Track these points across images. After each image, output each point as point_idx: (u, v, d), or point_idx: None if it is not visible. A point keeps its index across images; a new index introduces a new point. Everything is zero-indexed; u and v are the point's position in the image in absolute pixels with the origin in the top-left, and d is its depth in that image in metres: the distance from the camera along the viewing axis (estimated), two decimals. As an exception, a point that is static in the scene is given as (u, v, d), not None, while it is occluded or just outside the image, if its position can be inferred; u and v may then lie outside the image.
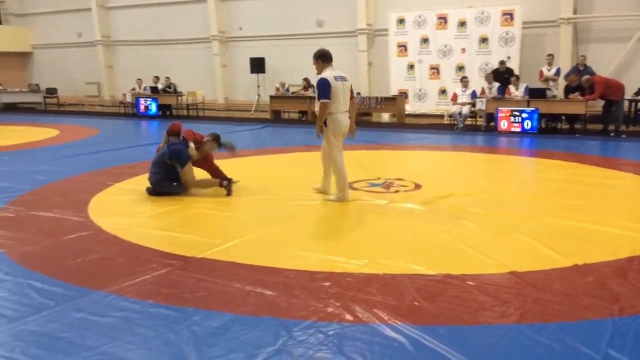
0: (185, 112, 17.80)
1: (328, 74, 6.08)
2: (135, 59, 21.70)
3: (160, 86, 18.09)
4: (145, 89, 18.40)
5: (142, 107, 17.48)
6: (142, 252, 4.58)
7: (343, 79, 6.14)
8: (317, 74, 6.23)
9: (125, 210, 6.02)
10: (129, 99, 18.26)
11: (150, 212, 5.90)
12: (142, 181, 7.49)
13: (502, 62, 14.04)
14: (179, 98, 17.89)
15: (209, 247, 4.64)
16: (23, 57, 24.96)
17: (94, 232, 5.17)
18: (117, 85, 22.57)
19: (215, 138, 7.07)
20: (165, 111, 17.72)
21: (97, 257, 4.50)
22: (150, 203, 6.31)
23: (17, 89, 22.14)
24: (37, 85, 22.27)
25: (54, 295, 3.71)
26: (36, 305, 3.57)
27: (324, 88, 6.01)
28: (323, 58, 6.21)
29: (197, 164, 6.97)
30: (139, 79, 18.77)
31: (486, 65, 14.96)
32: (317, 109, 6.15)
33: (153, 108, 17.31)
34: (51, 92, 22.05)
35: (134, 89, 18.60)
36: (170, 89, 17.95)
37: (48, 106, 21.62)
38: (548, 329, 3.13)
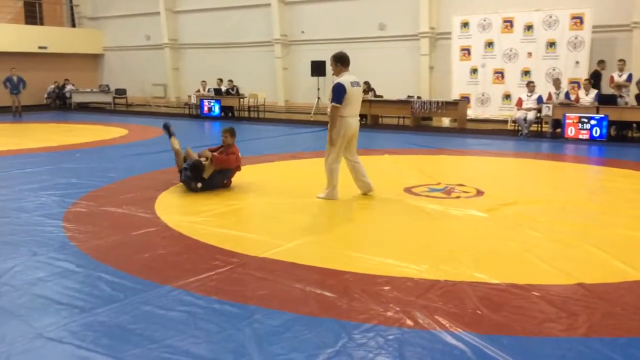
0: (246, 114, 18.13)
1: (345, 79, 6.33)
2: (200, 62, 22.28)
3: (223, 88, 18.50)
4: (209, 90, 18.86)
5: (205, 109, 17.92)
6: (205, 249, 4.71)
7: (357, 84, 6.45)
8: (334, 75, 6.54)
9: (189, 208, 6.20)
10: (193, 100, 18.75)
11: (213, 211, 6.05)
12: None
13: (601, 62, 13.43)
14: (241, 100, 18.24)
15: (270, 247, 4.71)
16: (95, 59, 26.07)
17: (160, 229, 5.34)
18: (182, 87, 23.23)
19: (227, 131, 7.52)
20: (227, 113, 18.10)
21: (163, 253, 4.65)
22: (214, 202, 6.46)
23: (89, 89, 23.17)
24: (107, 86, 23.22)
25: (123, 288, 3.86)
26: (106, 297, 3.72)
27: (339, 93, 6.26)
28: (342, 62, 6.44)
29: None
30: (203, 81, 19.26)
31: (553, 70, 14.53)
32: (329, 111, 6.42)
33: (216, 109, 17.72)
34: (120, 92, 22.95)
35: (198, 91, 19.09)
36: (233, 91, 18.33)
37: (117, 106, 22.49)
38: (618, 344, 3.01)
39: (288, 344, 3.05)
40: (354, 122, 6.46)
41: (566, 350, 2.98)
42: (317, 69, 18.30)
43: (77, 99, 22.57)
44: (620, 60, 13.31)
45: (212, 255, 4.54)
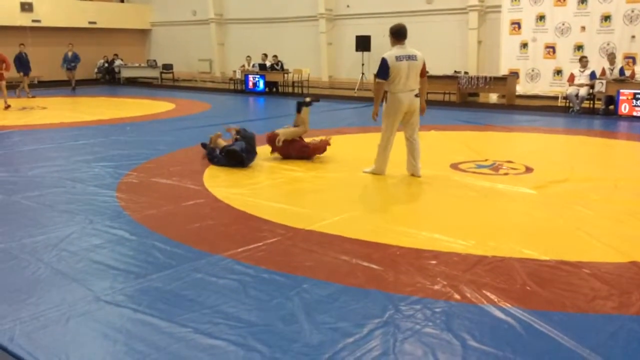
0: (290, 89, 18.15)
1: (390, 52, 6.15)
2: (245, 37, 22.34)
3: (268, 63, 18.54)
4: (253, 66, 18.94)
5: (250, 84, 18.02)
6: (254, 221, 4.80)
7: (410, 57, 6.10)
8: None
9: (237, 181, 6.30)
10: (238, 75, 18.87)
11: (260, 184, 6.14)
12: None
13: None
14: (285, 75, 18.26)
15: (316, 220, 4.77)
16: (142, 34, 26.46)
17: (209, 200, 5.46)
18: (227, 62, 23.40)
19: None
20: (272, 88, 18.17)
21: (212, 224, 4.76)
22: (260, 175, 6.55)
23: (137, 64, 23.59)
24: (154, 61, 23.60)
25: (175, 256, 3.98)
26: (159, 264, 3.85)
27: (381, 68, 6.15)
28: (394, 34, 6.24)
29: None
30: (248, 56, 19.34)
31: (607, 44, 13.97)
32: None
33: (260, 85, 17.79)
34: (167, 67, 23.29)
35: (243, 66, 19.19)
36: (278, 66, 18.35)
37: (164, 81, 22.85)
38: (673, 324, 2.95)
39: (336, 313, 3.10)
40: (404, 98, 6.17)
41: (618, 328, 2.93)
42: (362, 44, 18.10)
43: (125, 73, 23.03)
44: None
45: (260, 227, 4.62)
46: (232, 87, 19.32)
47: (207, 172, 6.63)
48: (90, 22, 23.21)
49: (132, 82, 22.89)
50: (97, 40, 23.65)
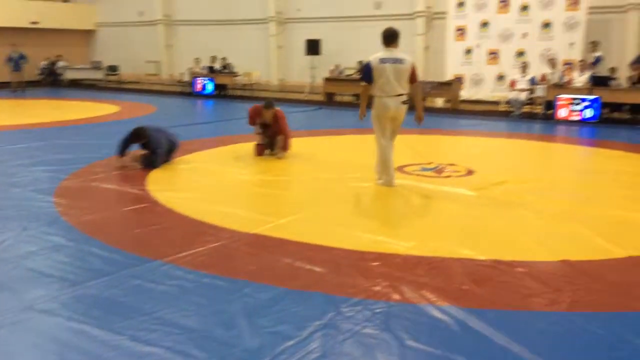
0: (240, 92, 18.04)
1: (375, 55, 5.97)
2: (194, 39, 22.08)
3: (216, 66, 18.38)
4: (202, 68, 18.73)
5: (198, 86, 17.81)
6: (197, 225, 4.74)
7: (396, 60, 5.88)
8: None
9: (181, 185, 6.22)
10: (186, 77, 18.63)
11: (205, 188, 6.07)
12: (198, 158, 7.72)
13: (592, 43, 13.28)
14: (235, 78, 18.13)
15: (261, 223, 4.75)
16: (87, 35, 25.76)
17: (151, 205, 5.37)
18: (175, 64, 23.04)
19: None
20: (220, 91, 18.01)
21: (154, 229, 4.68)
22: (206, 179, 6.48)
23: (81, 66, 22.94)
24: (99, 62, 23.01)
25: (113, 262, 3.89)
26: (97, 270, 3.75)
27: (364, 71, 6.03)
28: (382, 38, 6.04)
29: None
30: (196, 59, 19.11)
31: (547, 51, 14.47)
32: None
33: (209, 87, 17.62)
34: (112, 69, 22.75)
35: (191, 68, 18.96)
36: (227, 69, 18.21)
37: (109, 83, 22.31)
38: (598, 318, 3.09)
39: (276, 317, 3.10)
40: (390, 102, 5.90)
41: (549, 324, 3.04)
42: (312, 47, 18.17)
43: (69, 75, 22.34)
44: (592, 41, 13.45)
45: (203, 231, 4.57)
46: (180, 89, 19.04)
47: (150, 176, 6.51)
48: (32, 23, 22.44)
49: (76, 84, 22.23)
50: (39, 40, 22.84)
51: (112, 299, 3.33)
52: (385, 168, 6.17)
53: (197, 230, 4.60)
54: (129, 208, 5.25)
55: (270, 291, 3.43)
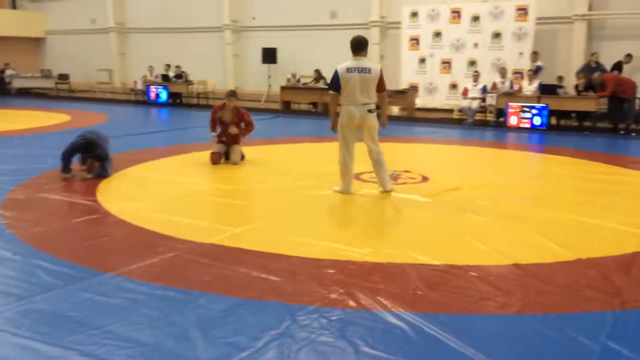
0: (195, 101, 17.87)
1: (343, 64, 5.99)
2: (147, 47, 21.76)
3: (171, 74, 18.16)
4: (156, 76, 18.48)
5: (152, 95, 17.56)
6: (150, 236, 4.64)
7: (363, 70, 5.88)
8: None
9: (134, 195, 6.08)
10: (139, 86, 18.35)
11: (159, 198, 5.96)
12: (152, 167, 7.59)
13: (628, 55, 13.34)
14: (190, 86, 17.95)
15: (216, 233, 4.69)
16: (36, 43, 25.10)
17: (102, 216, 5.23)
18: (128, 73, 22.66)
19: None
20: (175, 99, 17.80)
21: (105, 240, 4.56)
22: (158, 188, 6.36)
23: (30, 74, 22.28)
24: (49, 70, 22.41)
25: (62, 276, 3.76)
26: (44, 284, 3.63)
27: (332, 79, 6.04)
28: (351, 47, 6.05)
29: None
30: (150, 67, 18.85)
31: (498, 60, 14.87)
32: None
33: (163, 96, 17.39)
34: (63, 78, 22.19)
35: (144, 77, 18.67)
36: (181, 77, 18.01)
37: (60, 92, 21.74)
38: (549, 320, 3.16)
39: (231, 328, 3.06)
40: (355, 111, 5.93)
41: (501, 327, 3.10)
42: (268, 56, 18.18)
43: (17, 84, 21.66)
44: (534, 52, 14.01)
45: (156, 241, 4.48)
46: (133, 98, 18.72)
47: (101, 186, 6.36)
48: (-24, 29, 21.71)
49: (25, 92, 21.57)
50: (-15, 48, 22.15)
51: (60, 313, 3.22)
52: (343, 176, 6.20)
53: (150, 241, 4.50)
54: (79, 219, 5.10)
55: (225, 302, 3.38)
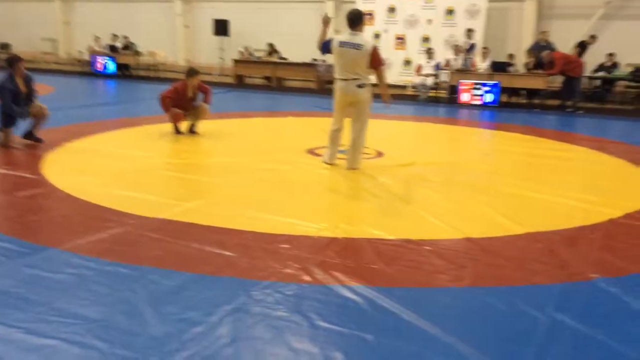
0: (144, 73, 17.36)
1: (338, 37, 6.05)
2: (94, 16, 20.92)
3: (118, 45, 17.56)
4: (103, 47, 17.84)
5: (99, 66, 16.96)
6: (99, 211, 4.49)
7: (354, 46, 5.83)
8: None
9: (81, 169, 5.87)
10: (85, 56, 17.68)
11: (107, 172, 5.76)
12: (100, 140, 7.34)
13: (592, 37, 13.51)
14: (139, 58, 17.41)
15: (169, 207, 4.58)
16: (-26, 9, 23.76)
17: (48, 190, 5.03)
18: (73, 43, 21.77)
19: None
20: (123, 70, 17.25)
21: (51, 215, 4.40)
22: (108, 162, 6.16)
23: (-33, 42, 21.14)
24: (-12, 39, 21.31)
25: (5, 251, 3.61)
26: (-14, 261, 3.47)
27: (325, 42, 6.09)
28: (347, 20, 6.02)
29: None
30: (96, 37, 18.16)
31: (451, 37, 14.99)
32: None
33: (111, 67, 16.83)
34: (4, 47, 21.10)
35: (91, 47, 18.00)
36: (129, 48, 17.44)
37: (0, 62, 20.72)
38: (499, 292, 3.22)
39: (184, 303, 2.99)
40: (343, 85, 6.01)
41: (452, 299, 3.15)
42: (220, 28, 17.75)
43: (-47, 52, 20.55)
44: (470, 29, 14.15)
45: (106, 216, 4.34)
46: (79, 69, 18.05)
47: (47, 159, 6.11)
48: None
49: (-38, 61, 20.49)
50: None
51: (4, 290, 3.08)
52: (329, 147, 6.35)
53: (99, 216, 4.36)
54: (23, 194, 4.88)
55: (177, 277, 3.31)
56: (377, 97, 6.26)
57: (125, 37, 17.62)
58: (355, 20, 5.96)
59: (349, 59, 5.90)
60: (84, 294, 3.06)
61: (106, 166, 6.00)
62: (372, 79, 6.12)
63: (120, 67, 17.08)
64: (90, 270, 3.36)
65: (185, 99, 7.78)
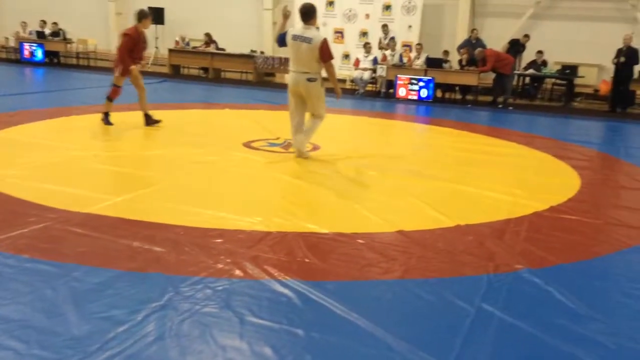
0: (75, 61, 16.70)
1: (291, 30, 6.15)
2: (21, 1, 19.93)
3: (47, 31, 16.80)
4: (30, 33, 17.02)
5: (26, 53, 16.18)
6: (19, 205, 4.27)
7: (305, 39, 5.96)
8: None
9: (2, 161, 5.57)
10: (12, 43, 16.83)
11: (32, 164, 5.49)
12: (25, 130, 7.02)
13: (526, 36, 14.01)
14: (68, 45, 16.72)
15: (95, 202, 4.40)
16: None
17: (-37, 183, 4.74)
18: (0, 28, 20.70)
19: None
20: (52, 58, 16.53)
21: (-34, 210, 4.14)
22: (32, 154, 5.86)
23: None
24: None
25: None
26: None
27: (281, 35, 6.21)
28: (300, 15, 6.15)
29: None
30: (23, 22, 17.31)
31: (392, 32, 15.16)
32: None
33: (39, 54, 16.09)
34: None
35: (17, 33, 17.14)
36: (59, 35, 16.72)
37: None
38: (428, 284, 3.28)
39: (109, 301, 2.88)
40: (294, 77, 6.14)
41: (383, 291, 3.18)
42: (155, 16, 17.21)
43: None
44: (385, 25, 14.64)
45: (26, 211, 4.12)
46: (4, 56, 17.16)
47: (-36, 151, 5.77)
48: None
49: None
50: None
51: None
52: (292, 134, 6.46)
53: (18, 210, 4.14)
54: None
55: (102, 274, 3.18)
56: (328, 91, 6.31)
57: (55, 24, 16.87)
58: (308, 14, 6.06)
59: (300, 52, 6.00)
60: (1, 293, 2.89)
61: (28, 158, 5.70)
62: (324, 73, 6.19)
63: (49, 54, 16.36)
64: (9, 268, 3.19)
65: (140, 45, 7.50)
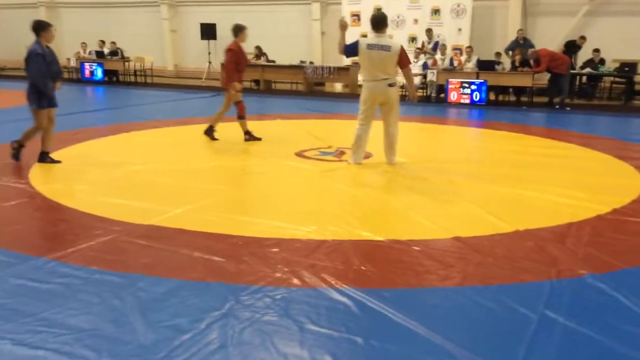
0: (132, 79, 17.29)
1: (364, 39, 6.23)
2: (80, 22, 20.83)
3: (105, 51, 17.48)
4: (90, 53, 17.75)
5: (87, 72, 16.87)
6: (86, 219, 4.47)
7: (383, 47, 6.04)
8: None
9: (69, 177, 5.85)
10: (73, 63, 17.59)
11: (96, 180, 5.73)
12: (88, 147, 7.31)
13: (582, 37, 13.53)
14: (126, 64, 17.34)
15: (156, 214, 4.56)
16: (-42, 17, 23.56)
17: (35, 199, 4.99)
18: (60, 50, 21.59)
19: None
20: (111, 77, 17.17)
21: (38, 224, 4.38)
22: (97, 170, 6.12)
23: (-48, 51, 20.96)
24: (-26, 47, 21.15)
25: (-8, 262, 3.58)
26: (-27, 272, 3.44)
27: (350, 44, 6.25)
28: (371, 24, 6.27)
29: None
30: (83, 43, 18.08)
31: (437, 36, 15.03)
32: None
33: (99, 73, 16.74)
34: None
35: (78, 53, 17.91)
36: (117, 54, 17.37)
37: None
38: (488, 291, 3.23)
39: (173, 310, 2.98)
40: (373, 86, 6.20)
41: (442, 299, 3.15)
42: (208, 32, 17.72)
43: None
44: (428, 29, 14.43)
45: (93, 224, 4.31)
46: (66, 76, 17.92)
47: (34, 168, 6.07)
48: None
49: (-52, 70, 20.34)
50: None
51: (-10, 302, 3.06)
52: (354, 150, 6.46)
53: (86, 224, 4.33)
54: (10, 203, 4.84)
55: (166, 284, 3.30)
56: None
57: (113, 43, 17.54)
58: (379, 23, 6.18)
59: (378, 60, 6.08)
60: (72, 304, 3.04)
61: (94, 174, 5.96)
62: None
63: (108, 73, 17.00)
64: (79, 279, 3.34)
65: (245, 57, 7.71)
